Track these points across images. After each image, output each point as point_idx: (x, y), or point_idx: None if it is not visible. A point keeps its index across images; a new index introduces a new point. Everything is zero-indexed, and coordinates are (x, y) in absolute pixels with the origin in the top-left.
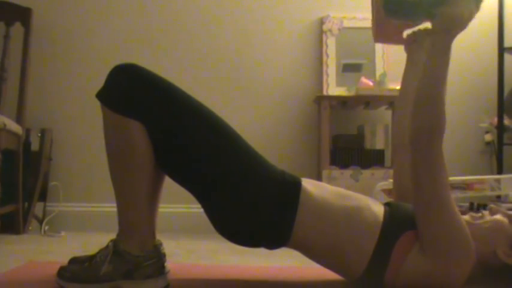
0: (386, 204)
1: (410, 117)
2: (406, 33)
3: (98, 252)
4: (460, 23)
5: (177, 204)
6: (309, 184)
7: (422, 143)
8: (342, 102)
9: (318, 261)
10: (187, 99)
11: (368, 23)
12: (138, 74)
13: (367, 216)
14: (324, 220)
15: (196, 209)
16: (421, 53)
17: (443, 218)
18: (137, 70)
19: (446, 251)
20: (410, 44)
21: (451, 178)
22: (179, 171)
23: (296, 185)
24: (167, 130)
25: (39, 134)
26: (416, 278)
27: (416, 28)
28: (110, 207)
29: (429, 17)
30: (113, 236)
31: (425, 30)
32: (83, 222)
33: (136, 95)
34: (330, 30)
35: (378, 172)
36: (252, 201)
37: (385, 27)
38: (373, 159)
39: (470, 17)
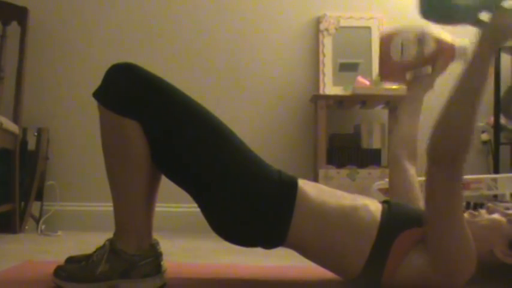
0: (385, 203)
1: (434, 134)
2: (409, 74)
3: (94, 252)
4: (508, 35)
5: (174, 204)
6: (305, 184)
7: (445, 163)
8: (339, 101)
9: (315, 261)
10: (183, 99)
11: (364, 22)
12: (135, 73)
13: (364, 216)
14: (320, 220)
15: (193, 208)
16: (421, 94)
17: (454, 230)
18: (134, 69)
19: (452, 262)
20: (412, 84)
21: None
22: (175, 171)
23: (292, 185)
24: (164, 130)
25: (36, 133)
26: (415, 279)
27: (418, 71)
28: (107, 207)
29: (476, 24)
30: (109, 235)
31: (427, 73)
32: (80, 222)
33: (133, 95)
34: (327, 30)
35: (375, 171)
36: (248, 201)
37: (390, 67)
38: (370, 158)
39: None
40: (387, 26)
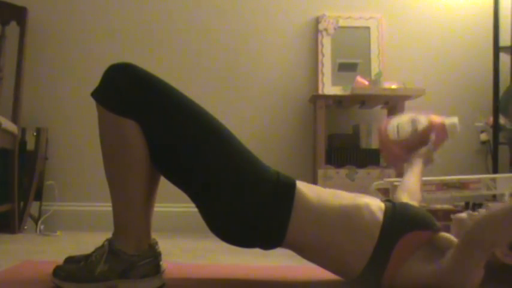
0: (389, 201)
1: (478, 225)
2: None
3: (93, 252)
4: None
5: (172, 204)
6: (303, 185)
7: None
8: (338, 101)
9: (314, 261)
10: (182, 99)
11: (363, 22)
12: (133, 73)
13: (365, 216)
14: (319, 220)
15: (192, 208)
16: (421, 166)
17: (471, 272)
18: (133, 69)
19: (463, 274)
20: (412, 159)
21: (446, 177)
22: (174, 171)
23: (290, 186)
24: (162, 130)
25: (35, 133)
26: (416, 281)
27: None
28: (105, 207)
29: None
30: (108, 235)
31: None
32: (79, 222)
33: (131, 95)
34: (326, 30)
35: (374, 171)
36: (246, 202)
37: (390, 148)
38: (369, 158)
39: None
40: (386, 26)
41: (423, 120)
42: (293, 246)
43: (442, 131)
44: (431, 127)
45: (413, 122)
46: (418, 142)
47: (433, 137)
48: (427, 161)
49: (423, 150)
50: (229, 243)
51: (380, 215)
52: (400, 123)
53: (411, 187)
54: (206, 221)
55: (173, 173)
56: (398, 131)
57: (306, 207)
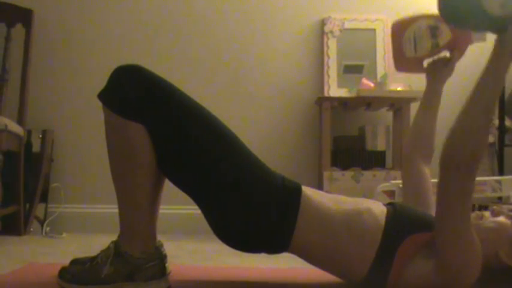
0: (390, 205)
1: (449, 140)
2: (427, 62)
3: (99, 254)
4: None
5: (178, 206)
6: (308, 190)
7: (459, 169)
8: (343, 103)
9: (319, 266)
10: (188, 102)
11: (369, 24)
12: (140, 75)
13: (368, 220)
14: (324, 225)
15: (197, 210)
16: (440, 83)
17: (464, 237)
18: (140, 72)
19: (459, 266)
20: (430, 74)
21: None
22: (179, 175)
23: (296, 191)
24: (168, 133)
25: (41, 135)
26: (419, 283)
27: (436, 57)
28: (111, 209)
29: (496, 32)
30: (114, 237)
31: (445, 60)
32: (84, 224)
33: (138, 97)
34: (331, 32)
35: (379, 173)
36: (251, 207)
37: (404, 63)
38: (375, 160)
39: None
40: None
41: (446, 31)
42: (298, 251)
43: (467, 39)
44: (455, 40)
45: (434, 31)
46: (441, 63)
47: (456, 48)
48: (447, 73)
49: (445, 71)
50: (234, 247)
51: (382, 219)
52: (418, 35)
53: (422, 131)
54: (211, 225)
55: (179, 177)
56: (415, 45)
57: (311, 213)
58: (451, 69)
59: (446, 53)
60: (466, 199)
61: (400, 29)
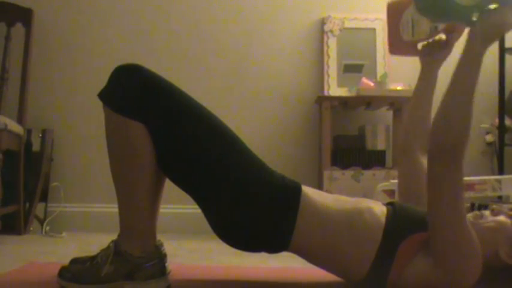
0: (390, 205)
1: (433, 129)
2: (421, 45)
3: (99, 253)
4: (500, 33)
5: (178, 205)
6: (308, 190)
7: (445, 158)
8: (343, 102)
9: (319, 265)
10: (189, 102)
11: (369, 24)
12: (141, 74)
13: (368, 219)
14: (324, 224)
15: (197, 209)
16: (435, 66)
17: (458, 231)
18: (140, 71)
19: (457, 262)
20: (425, 56)
21: None
22: (179, 174)
23: (296, 190)
24: (168, 132)
25: (40, 135)
26: (420, 283)
27: (431, 40)
28: (111, 208)
29: (468, 22)
30: (114, 236)
31: (440, 42)
32: (84, 223)
33: (138, 96)
34: (331, 31)
35: (379, 173)
36: (252, 206)
37: (400, 46)
38: (374, 159)
39: (509, 28)
40: None
41: None
42: (298, 250)
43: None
44: (454, 24)
45: None
46: (437, 45)
47: (455, 35)
48: (443, 56)
49: (442, 54)
50: (234, 247)
51: (382, 219)
52: (416, 18)
53: (418, 116)
54: (211, 224)
55: (179, 176)
56: (413, 29)
57: (311, 212)
58: (449, 51)
59: (442, 35)
60: (456, 193)
61: (397, 12)
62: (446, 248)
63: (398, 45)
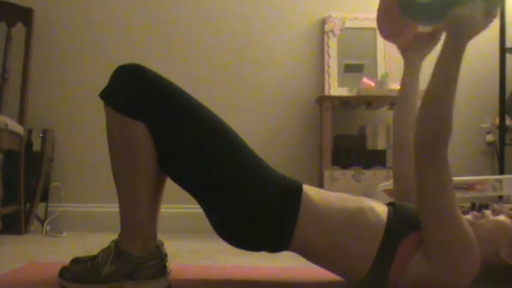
0: (390, 204)
1: (416, 121)
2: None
3: (99, 253)
4: (472, 28)
5: (179, 205)
6: (309, 189)
7: (428, 148)
8: (344, 102)
9: (320, 265)
10: (190, 101)
11: (370, 23)
12: (142, 74)
13: (370, 218)
14: (325, 223)
15: (198, 209)
16: (422, 57)
17: (449, 226)
18: (141, 70)
19: (451, 259)
20: (407, 50)
21: (453, 178)
22: (180, 173)
23: (297, 189)
24: (169, 131)
25: (41, 135)
26: (421, 279)
27: (417, 32)
28: (112, 208)
29: (443, 18)
30: (114, 236)
31: (426, 35)
32: (85, 223)
33: (140, 96)
34: (332, 31)
35: (380, 172)
36: (253, 205)
37: (389, 19)
38: (375, 159)
39: (482, 23)
40: None
41: None
42: (299, 249)
43: None
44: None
45: None
46: (431, 38)
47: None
48: (428, 50)
49: (428, 48)
50: (235, 246)
51: (384, 217)
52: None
53: (410, 100)
54: (212, 223)
55: (180, 175)
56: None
57: (312, 211)
58: (435, 44)
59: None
60: (442, 186)
61: None
62: (438, 244)
63: (386, 22)
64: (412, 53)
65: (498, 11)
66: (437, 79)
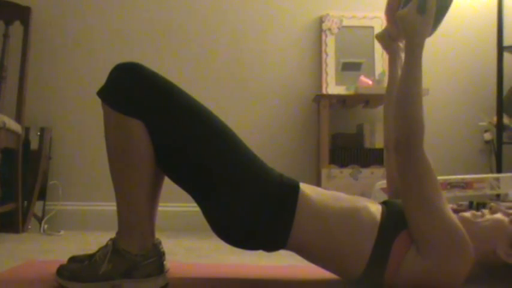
0: (384, 203)
1: (395, 118)
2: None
3: (97, 251)
4: (412, 28)
5: (176, 203)
6: (306, 188)
7: (402, 145)
8: (341, 101)
9: (317, 263)
10: (187, 100)
11: (367, 22)
12: (140, 72)
13: (365, 217)
14: (321, 222)
15: (195, 207)
16: (398, 52)
17: (434, 221)
18: (139, 69)
19: (442, 254)
20: (385, 43)
21: (450, 177)
22: (178, 172)
23: (294, 188)
24: (167, 130)
25: (39, 133)
26: (416, 276)
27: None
28: (110, 206)
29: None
30: (112, 234)
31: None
32: (83, 221)
33: (137, 94)
34: (329, 29)
35: (377, 171)
36: (250, 204)
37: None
38: (373, 158)
39: (420, 21)
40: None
41: None
42: (296, 248)
43: None
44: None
45: None
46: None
47: None
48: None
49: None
50: (232, 245)
51: (378, 216)
52: None
53: (391, 91)
54: (209, 222)
55: (177, 174)
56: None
57: (309, 210)
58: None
59: None
60: (424, 178)
61: None
62: (426, 240)
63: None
64: (393, 44)
65: (432, 6)
66: (403, 80)
